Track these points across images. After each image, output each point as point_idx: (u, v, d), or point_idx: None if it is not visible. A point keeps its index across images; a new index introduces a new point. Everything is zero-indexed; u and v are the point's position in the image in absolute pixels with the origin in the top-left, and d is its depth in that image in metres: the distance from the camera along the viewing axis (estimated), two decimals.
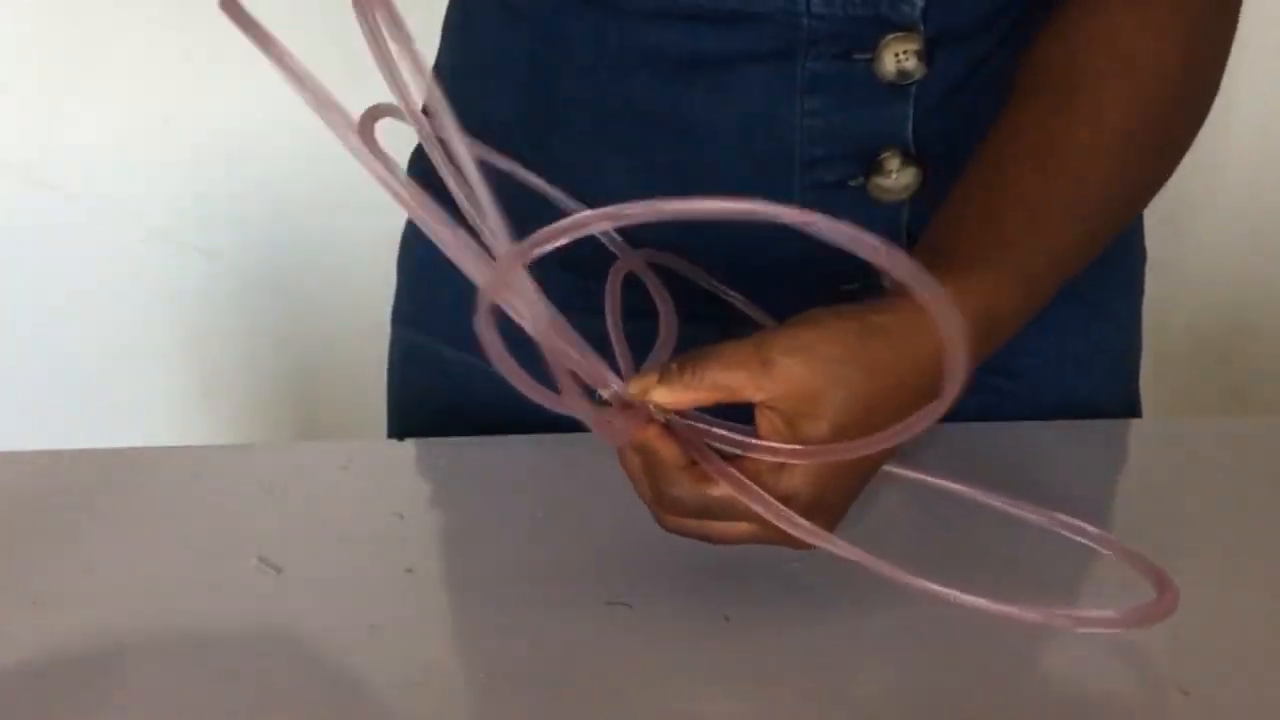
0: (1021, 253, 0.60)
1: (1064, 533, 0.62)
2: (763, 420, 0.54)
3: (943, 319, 0.46)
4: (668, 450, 0.53)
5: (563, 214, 0.47)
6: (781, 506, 0.53)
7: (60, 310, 1.44)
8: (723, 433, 0.54)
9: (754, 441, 0.53)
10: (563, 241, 0.47)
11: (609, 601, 0.58)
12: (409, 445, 0.73)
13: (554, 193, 0.67)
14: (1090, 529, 0.61)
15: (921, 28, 0.66)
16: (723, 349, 0.54)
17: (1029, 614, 0.54)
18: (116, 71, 1.36)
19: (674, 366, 0.53)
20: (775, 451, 0.53)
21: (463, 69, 0.76)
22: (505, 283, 0.49)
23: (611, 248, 0.67)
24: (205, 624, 0.57)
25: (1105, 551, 0.61)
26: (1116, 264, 0.79)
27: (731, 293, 0.70)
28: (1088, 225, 0.63)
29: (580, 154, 0.71)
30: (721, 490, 0.53)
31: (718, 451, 0.54)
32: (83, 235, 1.42)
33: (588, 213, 0.47)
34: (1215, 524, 0.65)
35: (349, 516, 0.65)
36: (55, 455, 0.70)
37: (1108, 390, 0.80)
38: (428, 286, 0.80)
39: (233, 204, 1.42)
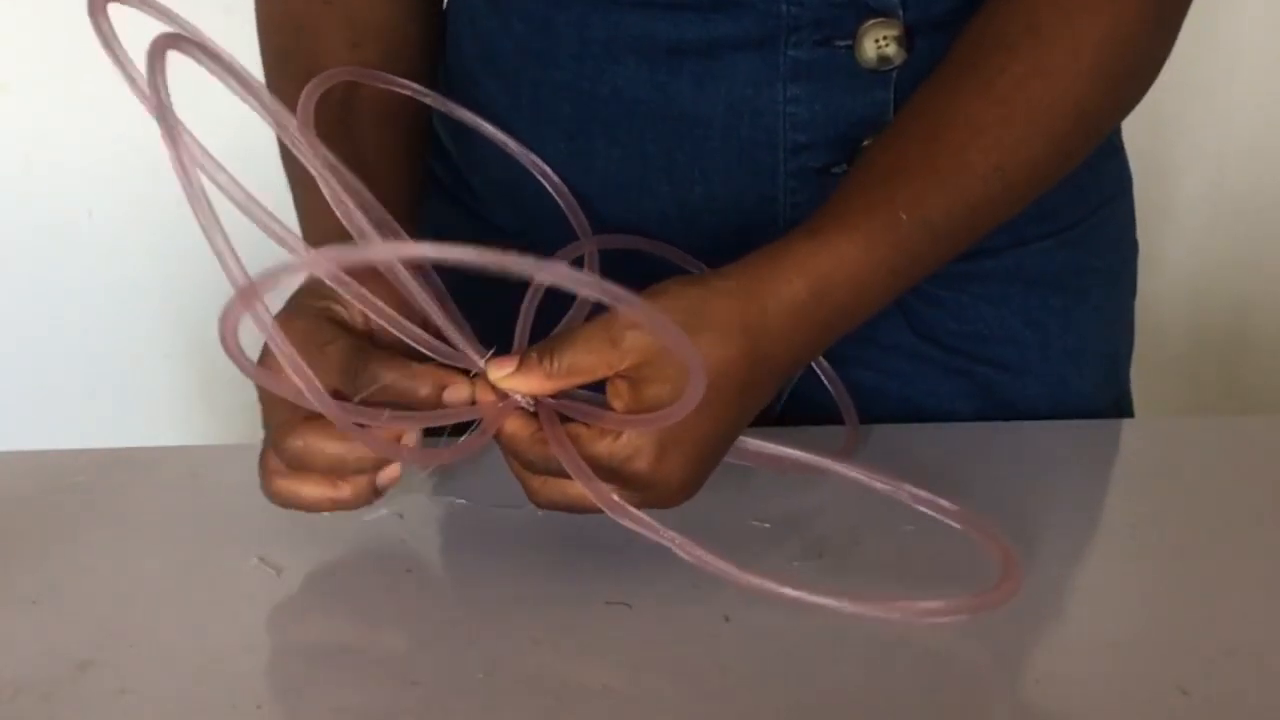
0: (880, 214, 0.60)
1: (916, 506, 0.62)
2: (610, 390, 0.56)
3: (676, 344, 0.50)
4: (515, 428, 0.56)
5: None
6: (584, 464, 0.54)
7: (60, 310, 1.44)
8: (570, 403, 0.56)
9: (583, 406, 0.56)
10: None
11: (609, 601, 0.58)
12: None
13: (514, 144, 0.70)
14: (945, 504, 0.61)
15: (901, 14, 0.66)
16: (575, 334, 0.56)
17: (867, 609, 0.54)
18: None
19: (532, 355, 0.55)
20: (602, 418, 0.55)
21: (456, 62, 0.76)
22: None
23: (575, 223, 0.69)
24: (205, 624, 0.57)
25: (959, 527, 0.61)
26: (1103, 257, 0.79)
27: (698, 263, 0.71)
28: (969, 193, 0.62)
29: (569, 142, 0.72)
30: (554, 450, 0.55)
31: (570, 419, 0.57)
32: (82, 235, 1.42)
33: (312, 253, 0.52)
34: (1214, 524, 0.65)
35: (349, 516, 0.65)
36: (55, 455, 0.70)
37: (1095, 384, 0.80)
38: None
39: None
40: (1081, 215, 0.77)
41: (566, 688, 0.53)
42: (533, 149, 0.71)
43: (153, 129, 0.54)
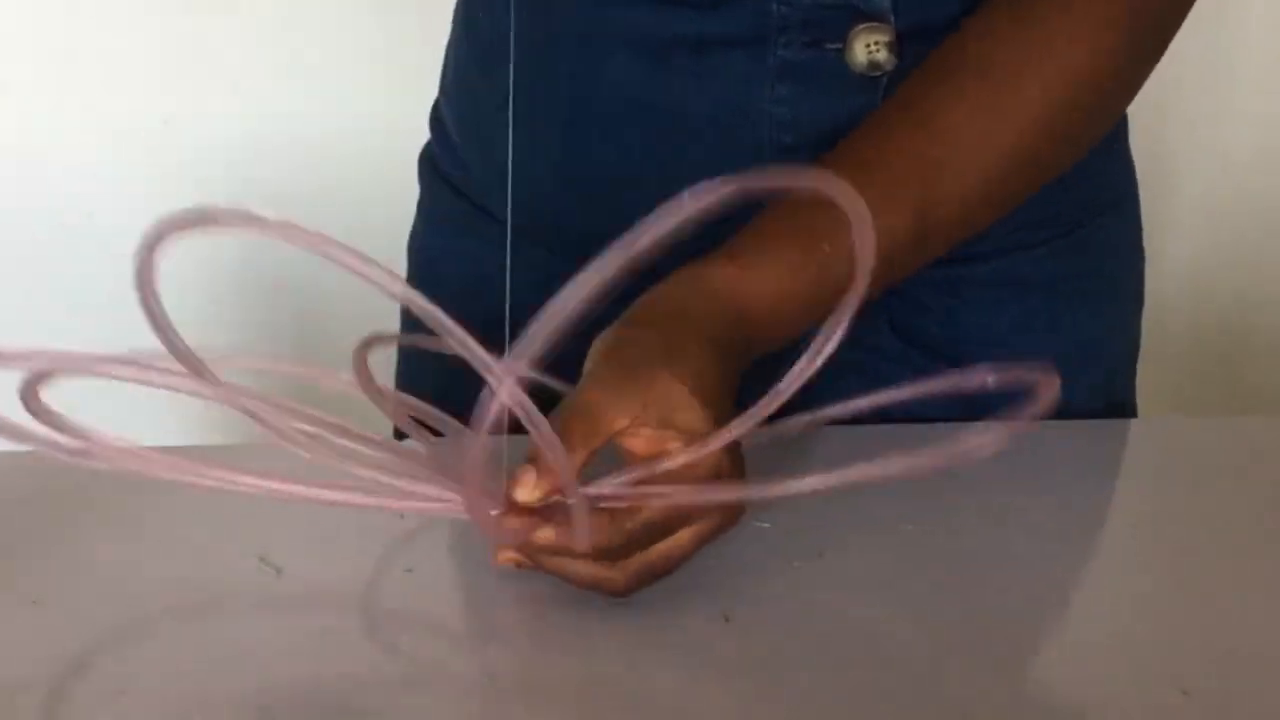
0: (801, 243, 0.60)
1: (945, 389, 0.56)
2: (636, 442, 0.53)
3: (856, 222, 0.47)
4: (583, 526, 0.52)
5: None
6: (719, 485, 0.53)
7: (60, 310, 1.44)
8: (625, 479, 0.53)
9: (667, 466, 0.53)
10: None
11: (609, 601, 0.58)
12: (409, 445, 0.73)
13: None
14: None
15: (892, 19, 0.66)
16: (566, 407, 0.53)
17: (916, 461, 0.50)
18: (116, 71, 1.36)
19: (528, 463, 0.52)
20: (683, 452, 0.52)
21: (465, 55, 0.77)
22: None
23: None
24: (205, 624, 0.57)
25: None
26: (1100, 262, 0.79)
27: None
28: (892, 231, 0.61)
29: (562, 134, 0.72)
30: (650, 511, 0.52)
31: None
32: (82, 235, 1.42)
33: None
34: (1214, 524, 0.65)
35: (349, 516, 0.65)
36: (55, 455, 0.69)
37: (1094, 391, 0.79)
38: (432, 285, 0.81)
39: (232, 203, 1.42)
40: (1077, 222, 0.77)
41: (567, 688, 0.53)
42: (527, 141, 0.70)
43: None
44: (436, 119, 0.83)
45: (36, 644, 0.55)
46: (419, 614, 0.58)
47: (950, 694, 0.53)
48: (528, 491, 0.52)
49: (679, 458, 0.52)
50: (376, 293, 0.51)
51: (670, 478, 0.53)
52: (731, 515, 0.55)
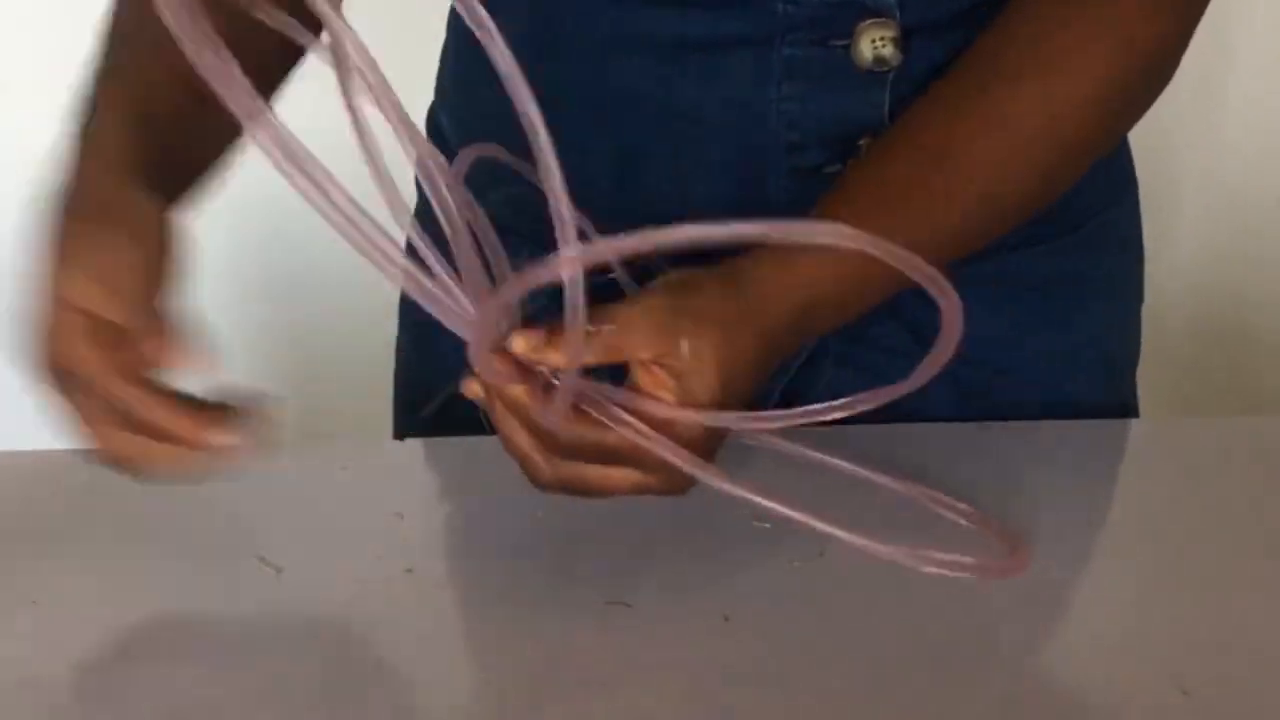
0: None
1: (928, 504, 0.63)
2: (646, 376, 0.55)
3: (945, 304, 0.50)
4: (553, 402, 0.54)
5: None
6: (685, 452, 0.54)
7: None
8: (610, 388, 0.55)
9: (650, 410, 0.54)
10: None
11: (609, 601, 0.58)
12: (409, 445, 0.73)
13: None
14: (957, 504, 0.63)
15: (898, 15, 0.66)
16: (615, 312, 0.55)
17: (890, 551, 0.54)
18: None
19: (575, 327, 0.53)
20: (677, 411, 0.54)
21: (465, 61, 0.76)
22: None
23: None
24: (205, 624, 0.57)
25: (965, 523, 0.62)
26: (1102, 262, 0.79)
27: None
28: (959, 221, 0.64)
29: (569, 137, 0.72)
30: (617, 437, 0.54)
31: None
32: None
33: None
34: (1215, 524, 0.65)
35: (349, 516, 0.65)
36: (55, 455, 0.69)
37: (1092, 388, 0.79)
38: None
39: (232, 203, 1.42)
40: (1079, 221, 0.77)
41: (566, 688, 0.53)
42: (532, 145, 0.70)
43: None
44: (433, 123, 0.83)
45: (36, 644, 0.55)
46: (419, 614, 0.58)
47: (950, 694, 0.53)
48: (527, 346, 0.53)
49: (667, 411, 0.54)
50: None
51: (646, 419, 0.54)
52: (676, 484, 0.56)
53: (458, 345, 0.66)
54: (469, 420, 0.74)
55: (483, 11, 0.49)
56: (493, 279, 0.54)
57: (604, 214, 0.72)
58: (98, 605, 0.58)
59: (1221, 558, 0.62)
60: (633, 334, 0.55)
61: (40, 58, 1.35)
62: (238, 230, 1.42)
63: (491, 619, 0.57)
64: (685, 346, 0.54)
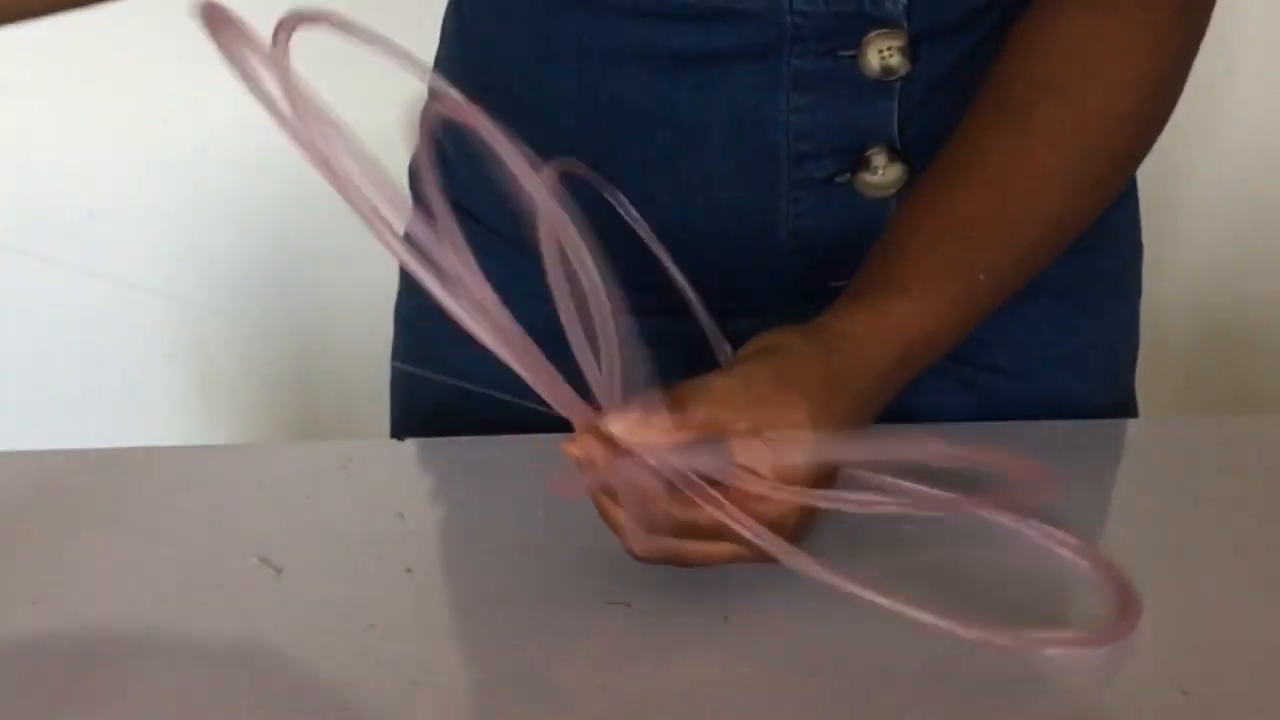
0: (963, 274, 0.63)
1: (1040, 540, 0.62)
2: (744, 449, 0.54)
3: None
4: (654, 478, 0.52)
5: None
6: (770, 534, 0.53)
7: (59, 310, 1.44)
8: (706, 460, 0.53)
9: (762, 483, 0.53)
10: None
11: (609, 601, 0.57)
12: (409, 445, 0.73)
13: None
14: (1068, 539, 0.61)
15: (905, 24, 0.66)
16: (709, 385, 0.54)
17: (997, 637, 0.54)
18: (116, 71, 1.36)
19: (660, 407, 0.53)
20: (772, 489, 0.53)
21: (461, 72, 0.76)
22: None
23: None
24: (205, 624, 0.57)
25: (1081, 561, 0.61)
26: (1105, 262, 0.79)
27: (691, 294, 0.69)
28: (1034, 243, 0.66)
29: (569, 152, 0.72)
30: (709, 516, 0.53)
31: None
32: (82, 235, 1.42)
33: None
34: (1215, 523, 0.65)
35: (349, 516, 0.65)
36: (55, 455, 0.70)
37: (1097, 388, 0.80)
38: (425, 297, 0.80)
39: (232, 204, 1.42)
40: None
41: (566, 688, 0.53)
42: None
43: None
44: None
45: (36, 644, 0.55)
46: (419, 614, 0.58)
47: (950, 694, 0.53)
48: (623, 428, 0.52)
49: (759, 486, 0.53)
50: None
51: (740, 495, 0.53)
52: (769, 557, 0.55)
53: (455, 345, 0.66)
54: (469, 420, 0.74)
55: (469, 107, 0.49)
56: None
57: (606, 227, 0.72)
58: (98, 605, 0.58)
59: (1222, 558, 0.62)
60: (729, 408, 0.54)
61: (40, 58, 1.35)
62: (237, 226, 1.42)
63: (491, 619, 0.57)
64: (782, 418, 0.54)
